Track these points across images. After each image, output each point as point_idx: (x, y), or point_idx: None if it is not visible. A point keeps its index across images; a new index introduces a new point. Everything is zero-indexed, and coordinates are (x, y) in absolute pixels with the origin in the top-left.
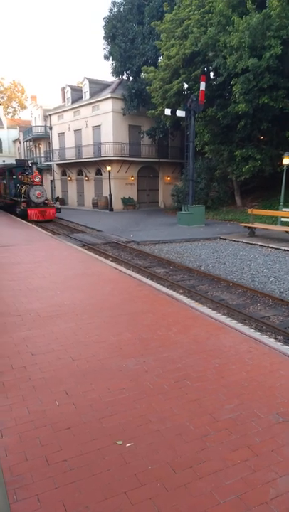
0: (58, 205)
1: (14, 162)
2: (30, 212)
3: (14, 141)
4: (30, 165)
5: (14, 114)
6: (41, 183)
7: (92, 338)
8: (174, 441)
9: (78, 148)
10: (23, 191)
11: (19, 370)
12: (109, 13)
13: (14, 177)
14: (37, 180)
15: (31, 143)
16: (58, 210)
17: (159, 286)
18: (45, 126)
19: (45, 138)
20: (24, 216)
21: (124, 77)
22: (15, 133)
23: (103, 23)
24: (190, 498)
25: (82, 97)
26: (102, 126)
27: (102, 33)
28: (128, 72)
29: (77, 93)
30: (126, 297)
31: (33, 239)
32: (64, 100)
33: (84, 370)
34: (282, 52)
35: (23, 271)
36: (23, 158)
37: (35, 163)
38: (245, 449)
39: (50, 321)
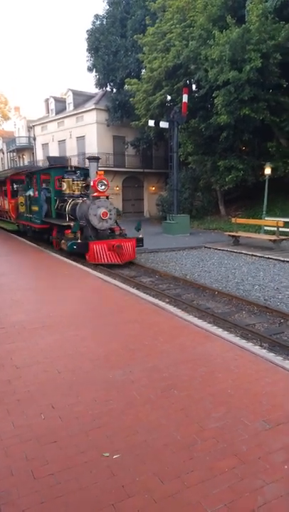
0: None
1: (38, 163)
2: (96, 247)
3: None
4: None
5: None
6: (108, 195)
7: (78, 350)
8: (161, 451)
9: (62, 158)
10: (67, 209)
11: (3, 383)
12: (92, 26)
13: (47, 186)
14: (101, 188)
15: (15, 153)
16: (140, 241)
17: (145, 296)
18: (29, 137)
19: (29, 149)
20: (72, 253)
21: (108, 88)
22: None
23: (86, 36)
24: (178, 509)
25: (66, 108)
26: (87, 136)
27: (85, 45)
28: (111, 84)
29: (60, 104)
30: (112, 307)
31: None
32: (48, 111)
33: (70, 382)
34: (262, 65)
35: None
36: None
37: (97, 159)
38: (232, 457)
39: (36, 333)
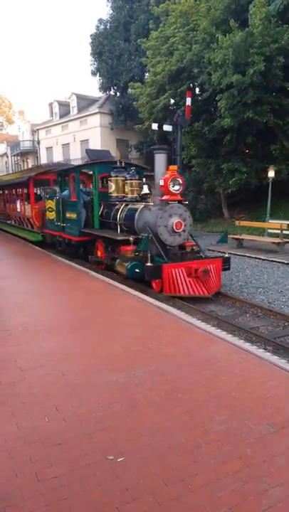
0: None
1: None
2: (173, 273)
3: (1, 156)
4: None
5: (1, 129)
6: (184, 199)
7: (82, 352)
8: (166, 454)
9: (66, 162)
10: (119, 217)
11: (8, 385)
12: (95, 31)
13: (89, 187)
14: (175, 189)
15: (19, 157)
16: (226, 262)
17: (148, 298)
18: (33, 141)
19: (33, 152)
20: (132, 277)
21: (112, 92)
22: (2, 147)
23: (90, 40)
24: None
25: (69, 112)
26: (90, 140)
27: (89, 49)
28: (115, 87)
29: (64, 108)
30: (115, 310)
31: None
32: (52, 115)
33: (74, 385)
34: (265, 69)
35: None
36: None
37: (166, 150)
38: (236, 460)
39: (39, 335)
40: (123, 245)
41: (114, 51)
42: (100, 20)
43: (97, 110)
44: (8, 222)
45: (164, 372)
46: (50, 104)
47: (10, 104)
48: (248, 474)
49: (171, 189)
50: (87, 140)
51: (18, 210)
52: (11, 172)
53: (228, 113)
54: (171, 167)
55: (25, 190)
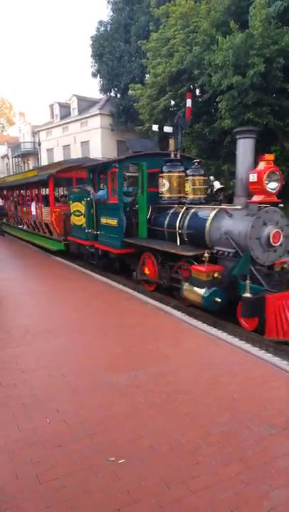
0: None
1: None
2: (281, 305)
3: (2, 157)
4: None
5: (2, 131)
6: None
7: (83, 354)
8: (167, 456)
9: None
10: (179, 224)
11: (9, 387)
12: (96, 32)
13: (131, 187)
14: (273, 187)
15: (20, 159)
16: None
17: (149, 300)
18: (34, 142)
19: (34, 154)
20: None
21: (112, 94)
22: (3, 149)
23: (90, 42)
24: None
25: (70, 114)
26: (91, 141)
27: (89, 51)
28: (116, 89)
29: (65, 110)
30: (115, 311)
31: None
32: (52, 117)
33: (75, 387)
34: (265, 70)
35: None
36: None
37: (254, 132)
38: (237, 462)
39: (40, 337)
40: (193, 263)
41: (115, 53)
42: (101, 22)
43: (97, 112)
44: (20, 226)
45: (164, 373)
46: (51, 106)
47: (11, 105)
48: (249, 476)
49: (267, 187)
50: (88, 141)
51: (34, 213)
52: (12, 173)
53: (229, 114)
54: (268, 156)
55: (43, 190)
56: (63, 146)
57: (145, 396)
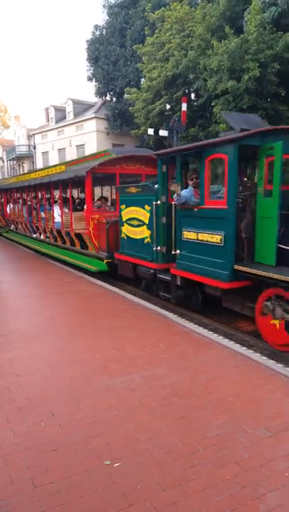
0: None
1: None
2: None
3: None
4: None
5: None
6: None
7: (78, 357)
8: (163, 459)
9: None
10: None
11: (3, 391)
12: (91, 36)
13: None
14: None
15: (15, 162)
16: None
17: (145, 303)
18: (29, 146)
19: (29, 157)
20: None
21: (108, 97)
22: None
23: (86, 46)
24: None
25: (65, 117)
26: (86, 145)
27: (85, 54)
28: (111, 93)
29: (60, 113)
30: (111, 314)
31: None
32: (48, 120)
33: (70, 390)
34: (260, 75)
35: None
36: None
37: None
38: (233, 464)
39: (35, 340)
40: None
41: (110, 57)
42: (96, 26)
43: (93, 115)
44: (34, 236)
45: (160, 376)
46: (46, 109)
47: (6, 108)
48: (245, 479)
49: None
50: (83, 145)
51: (57, 220)
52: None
53: (224, 119)
54: None
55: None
56: (59, 150)
57: (141, 399)
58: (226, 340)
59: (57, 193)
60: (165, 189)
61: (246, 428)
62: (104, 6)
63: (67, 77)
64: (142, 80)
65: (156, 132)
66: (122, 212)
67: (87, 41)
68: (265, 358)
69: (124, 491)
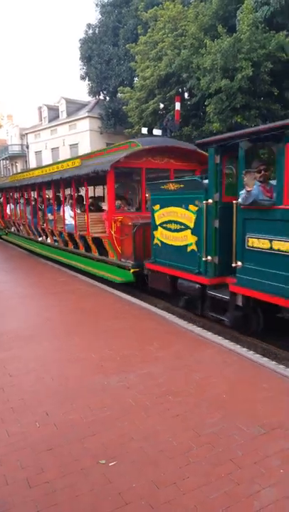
0: None
1: None
2: None
3: None
4: None
5: None
6: None
7: (72, 357)
8: (158, 458)
9: None
10: None
11: None
12: (84, 35)
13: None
14: None
15: (7, 161)
16: None
17: (140, 302)
18: (22, 145)
19: (22, 156)
20: None
21: (101, 97)
22: None
23: (79, 45)
24: None
25: (59, 116)
26: (80, 144)
27: (78, 53)
28: (104, 92)
29: (53, 112)
30: (106, 313)
31: None
32: (41, 119)
33: (65, 390)
34: (253, 74)
35: None
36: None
37: None
38: (228, 462)
39: (30, 341)
40: None
41: (104, 56)
42: (89, 25)
43: (86, 114)
44: (40, 239)
45: (155, 375)
46: (39, 109)
47: None
48: (240, 476)
49: None
50: (77, 144)
51: (69, 222)
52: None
53: (217, 118)
54: None
55: (87, 189)
56: (52, 149)
57: (136, 398)
58: (220, 338)
59: (68, 192)
60: (218, 185)
61: (241, 426)
62: (97, 5)
63: (60, 76)
64: (136, 79)
65: (150, 131)
66: (156, 214)
67: (80, 40)
68: (258, 356)
69: (120, 489)
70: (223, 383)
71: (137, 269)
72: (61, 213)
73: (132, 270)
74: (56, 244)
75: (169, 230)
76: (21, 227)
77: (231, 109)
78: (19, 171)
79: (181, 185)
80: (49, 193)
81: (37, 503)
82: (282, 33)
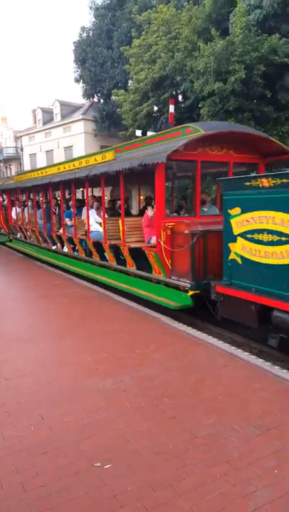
0: None
1: None
2: None
3: None
4: None
5: None
6: None
7: (68, 360)
8: (153, 460)
9: None
10: None
11: None
12: (78, 38)
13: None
14: None
15: (1, 164)
16: None
17: (135, 305)
18: (16, 148)
19: (16, 159)
20: None
21: (95, 99)
22: None
23: (73, 47)
24: None
25: (53, 119)
26: (74, 147)
27: (72, 56)
28: (99, 94)
29: (48, 115)
30: (101, 316)
31: None
32: (35, 122)
33: (60, 393)
34: (246, 77)
35: None
36: None
37: None
38: (224, 463)
39: (24, 344)
40: None
41: (98, 58)
42: (83, 28)
43: (80, 117)
44: (54, 248)
45: (151, 377)
46: (34, 111)
47: None
48: (236, 477)
49: None
50: (71, 147)
51: (96, 229)
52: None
53: (211, 120)
54: None
55: (122, 188)
56: (46, 152)
57: (131, 401)
58: (215, 339)
59: (95, 193)
60: None
61: (236, 427)
62: (90, 8)
63: (54, 78)
64: (130, 81)
65: (144, 134)
66: (234, 220)
67: (74, 43)
68: (253, 357)
69: (115, 492)
70: (218, 385)
71: (197, 291)
72: (82, 218)
73: (190, 292)
74: (76, 254)
75: (259, 242)
76: (29, 234)
77: (224, 112)
78: (13, 173)
79: (280, 181)
80: (70, 194)
81: (32, 506)
82: (274, 36)
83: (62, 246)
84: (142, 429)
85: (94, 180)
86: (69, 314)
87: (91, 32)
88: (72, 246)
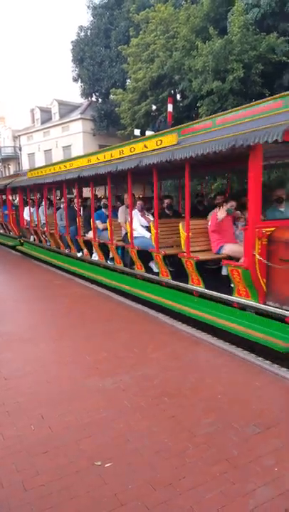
0: None
1: None
2: None
3: None
4: None
5: None
6: None
7: (67, 359)
8: (153, 459)
9: None
10: None
11: None
12: (76, 37)
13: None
14: None
15: (0, 163)
16: None
17: (134, 304)
18: (15, 147)
19: (15, 158)
20: None
21: (94, 98)
22: None
23: (71, 47)
24: None
25: (51, 118)
26: (73, 146)
27: (70, 55)
28: (97, 93)
29: (46, 114)
30: (100, 315)
31: None
32: (33, 121)
33: (60, 392)
34: (244, 75)
35: None
36: None
37: None
38: (223, 462)
39: (24, 344)
40: None
41: (96, 57)
42: (81, 27)
43: (79, 116)
44: (80, 255)
45: (150, 377)
46: (32, 111)
47: None
48: (235, 475)
49: None
50: (70, 146)
51: (139, 234)
52: None
53: None
54: None
55: (187, 182)
56: (45, 151)
57: (131, 400)
58: (214, 338)
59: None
60: None
61: (235, 425)
62: (88, 7)
63: (52, 78)
64: (128, 80)
65: (142, 133)
66: None
67: (72, 42)
68: (253, 355)
69: (116, 491)
70: (217, 383)
71: None
72: (119, 220)
73: None
74: (111, 264)
75: None
76: (45, 237)
77: (223, 111)
78: (12, 173)
79: None
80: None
81: (33, 506)
82: (272, 34)
83: (91, 253)
84: (142, 428)
85: (139, 174)
86: (69, 314)
87: (89, 31)
88: (103, 253)
